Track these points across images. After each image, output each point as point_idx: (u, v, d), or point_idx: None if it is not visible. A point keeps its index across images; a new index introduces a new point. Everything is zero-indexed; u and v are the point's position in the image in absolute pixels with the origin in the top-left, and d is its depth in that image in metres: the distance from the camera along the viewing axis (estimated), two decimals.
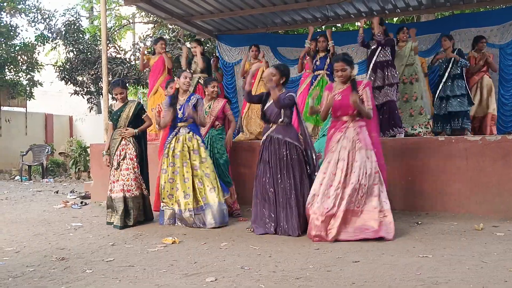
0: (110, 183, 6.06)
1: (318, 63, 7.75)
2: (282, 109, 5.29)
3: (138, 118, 6.13)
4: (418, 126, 7.42)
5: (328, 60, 7.67)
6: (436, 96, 7.59)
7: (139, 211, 6.01)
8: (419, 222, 5.65)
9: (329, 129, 5.28)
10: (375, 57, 7.19)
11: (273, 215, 5.26)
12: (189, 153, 5.88)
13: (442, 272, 3.63)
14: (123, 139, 6.03)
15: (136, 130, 6.06)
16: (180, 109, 5.95)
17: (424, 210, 6.23)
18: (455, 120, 7.43)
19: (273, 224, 5.24)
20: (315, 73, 7.80)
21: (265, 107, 5.44)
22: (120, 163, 5.98)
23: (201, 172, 5.83)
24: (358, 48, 9.61)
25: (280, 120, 5.33)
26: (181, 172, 5.85)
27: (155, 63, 8.44)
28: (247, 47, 9.08)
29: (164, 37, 13.44)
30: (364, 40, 7.51)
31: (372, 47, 7.35)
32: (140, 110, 6.16)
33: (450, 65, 7.45)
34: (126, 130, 6.02)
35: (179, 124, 5.97)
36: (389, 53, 7.23)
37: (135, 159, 6.02)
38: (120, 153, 6.01)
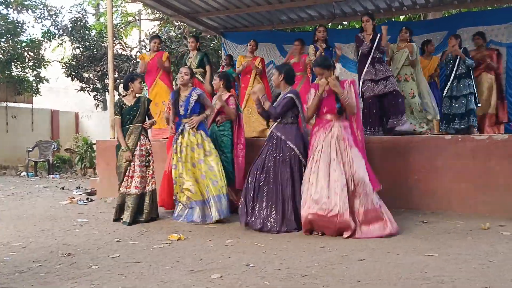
0: (126, 179, 6.00)
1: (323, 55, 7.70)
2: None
3: (147, 112, 6.22)
4: (425, 124, 7.35)
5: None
6: (443, 95, 7.57)
7: (152, 207, 6.05)
8: (425, 221, 5.62)
9: (313, 127, 5.33)
10: (371, 54, 7.07)
11: (263, 210, 5.32)
12: (193, 148, 5.92)
13: (447, 271, 3.62)
14: (141, 135, 6.06)
15: (154, 120, 6.32)
16: (181, 106, 6.00)
17: (430, 209, 6.20)
18: (462, 119, 7.40)
19: (262, 220, 5.31)
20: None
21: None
22: (142, 160, 6.00)
23: (205, 166, 5.87)
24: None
25: (285, 120, 5.43)
26: (186, 167, 5.91)
27: (151, 60, 8.29)
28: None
29: (169, 34, 13.49)
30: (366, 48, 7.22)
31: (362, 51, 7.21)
32: (149, 104, 6.25)
33: (456, 65, 7.43)
34: (146, 123, 6.13)
35: (183, 121, 6.02)
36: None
37: (151, 155, 6.11)
38: (141, 149, 6.03)
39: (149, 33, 14.96)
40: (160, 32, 14.53)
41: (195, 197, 5.86)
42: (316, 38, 7.86)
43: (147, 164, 6.04)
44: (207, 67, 8.40)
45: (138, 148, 6.02)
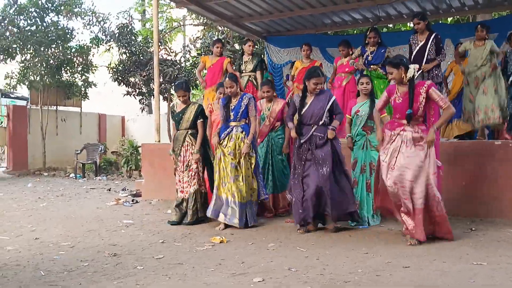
0: (177, 184, 6.22)
1: (370, 58, 7.60)
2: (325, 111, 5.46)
3: (198, 119, 6.24)
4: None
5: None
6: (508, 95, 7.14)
7: (196, 207, 6.10)
8: (473, 229, 5.45)
9: (385, 127, 5.14)
10: (426, 55, 6.75)
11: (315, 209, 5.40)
12: (239, 154, 5.91)
13: (497, 280, 3.50)
14: (185, 141, 6.18)
15: (197, 149, 6.16)
16: (232, 111, 6.02)
17: (478, 216, 6.00)
18: None
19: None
20: (368, 69, 7.64)
21: (303, 111, 5.51)
22: (186, 164, 6.14)
23: (245, 173, 5.88)
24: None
25: (321, 122, 5.46)
26: (227, 170, 5.88)
27: (213, 65, 8.16)
28: (296, 48, 9.04)
29: (213, 39, 13.62)
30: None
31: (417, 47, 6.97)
32: (201, 112, 6.27)
33: None
34: (195, 157, 6.14)
35: (232, 124, 6.03)
36: (435, 51, 6.73)
37: (199, 159, 6.18)
38: (185, 155, 6.17)
39: (193, 38, 15.18)
40: (204, 37, 14.72)
41: (234, 199, 5.84)
42: (366, 41, 7.73)
43: (186, 169, 6.15)
44: (258, 72, 8.22)
45: (182, 153, 6.14)
